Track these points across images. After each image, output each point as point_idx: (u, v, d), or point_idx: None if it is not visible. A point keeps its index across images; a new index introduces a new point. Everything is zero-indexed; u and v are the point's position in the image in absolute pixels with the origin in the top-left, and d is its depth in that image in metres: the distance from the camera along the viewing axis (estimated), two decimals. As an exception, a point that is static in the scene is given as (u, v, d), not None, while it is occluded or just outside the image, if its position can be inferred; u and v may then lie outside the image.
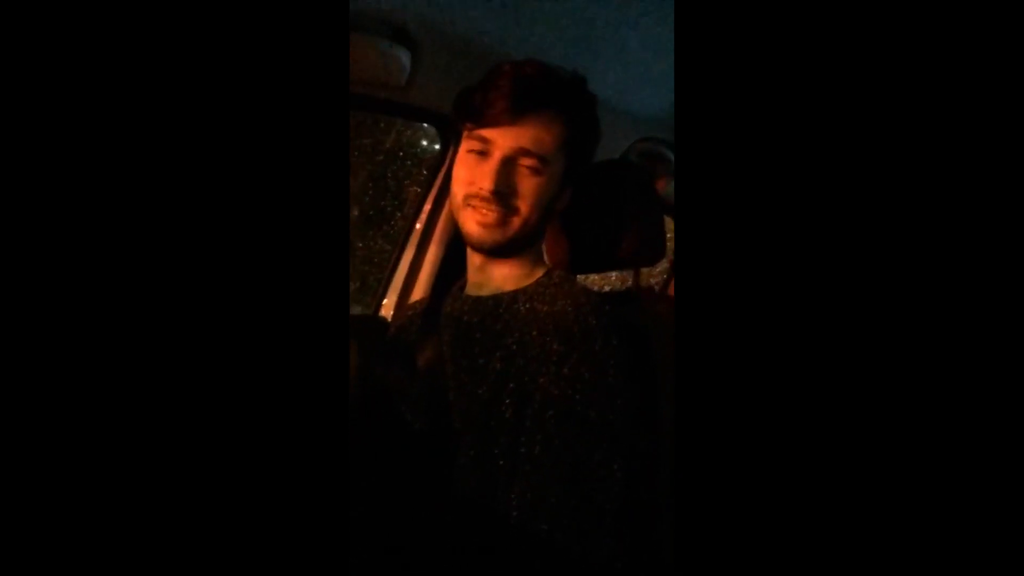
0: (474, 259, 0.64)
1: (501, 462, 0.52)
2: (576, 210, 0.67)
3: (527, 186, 0.58)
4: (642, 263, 0.73)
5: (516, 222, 0.59)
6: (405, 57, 0.80)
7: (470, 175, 0.59)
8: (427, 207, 1.10)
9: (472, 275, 0.65)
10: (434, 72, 0.86)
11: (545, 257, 0.71)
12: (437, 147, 1.09)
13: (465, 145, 0.60)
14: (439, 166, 1.08)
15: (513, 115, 0.56)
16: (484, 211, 0.58)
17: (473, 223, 0.59)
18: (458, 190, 0.60)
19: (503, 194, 0.57)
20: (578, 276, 0.70)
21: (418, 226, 1.11)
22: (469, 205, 0.59)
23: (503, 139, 0.57)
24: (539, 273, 0.64)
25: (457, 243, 1.00)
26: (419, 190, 1.15)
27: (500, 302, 0.61)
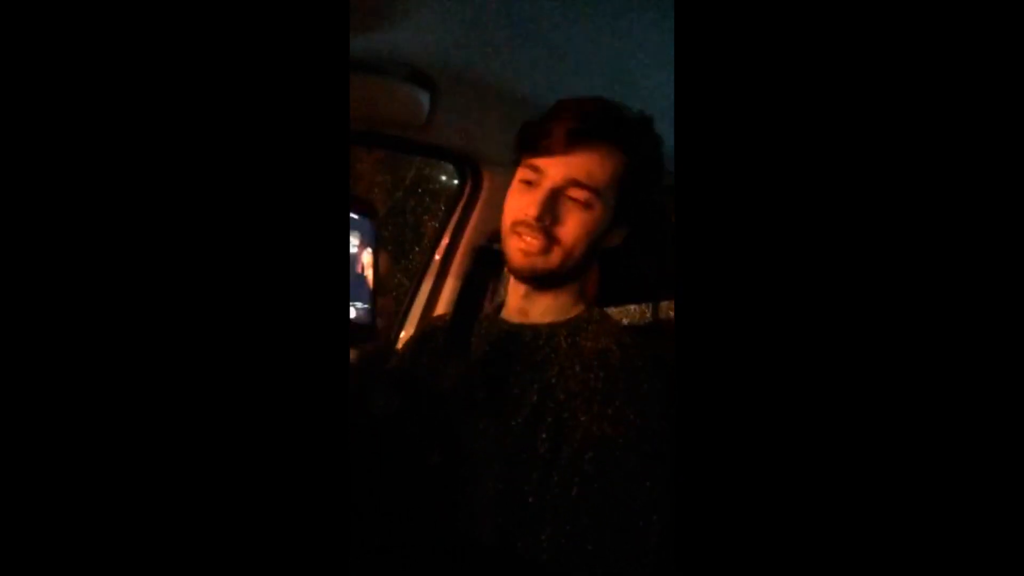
0: (517, 287, 0.63)
1: (530, 499, 0.51)
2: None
3: (574, 218, 0.57)
4: (662, 296, 0.73)
5: (558, 252, 0.58)
6: (424, 98, 0.83)
7: (519, 203, 0.58)
8: (445, 240, 1.12)
9: (512, 301, 0.64)
10: (452, 112, 0.89)
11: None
12: (455, 182, 1.12)
13: (519, 175, 0.60)
14: (457, 201, 1.10)
15: (567, 145, 0.56)
16: (528, 238, 0.57)
17: (516, 250, 0.58)
18: (507, 217, 0.60)
19: (548, 223, 0.56)
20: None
21: (436, 257, 1.13)
22: (515, 232, 0.59)
23: (554, 168, 0.57)
24: (579, 309, 0.63)
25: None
26: (437, 224, 1.17)
27: (540, 333, 0.60)
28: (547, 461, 0.51)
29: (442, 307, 1.08)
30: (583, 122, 0.56)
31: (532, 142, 0.58)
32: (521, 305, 0.63)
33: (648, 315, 0.80)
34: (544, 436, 0.52)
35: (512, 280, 0.63)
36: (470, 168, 1.06)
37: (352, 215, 0.46)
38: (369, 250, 0.48)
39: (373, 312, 0.47)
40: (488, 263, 0.62)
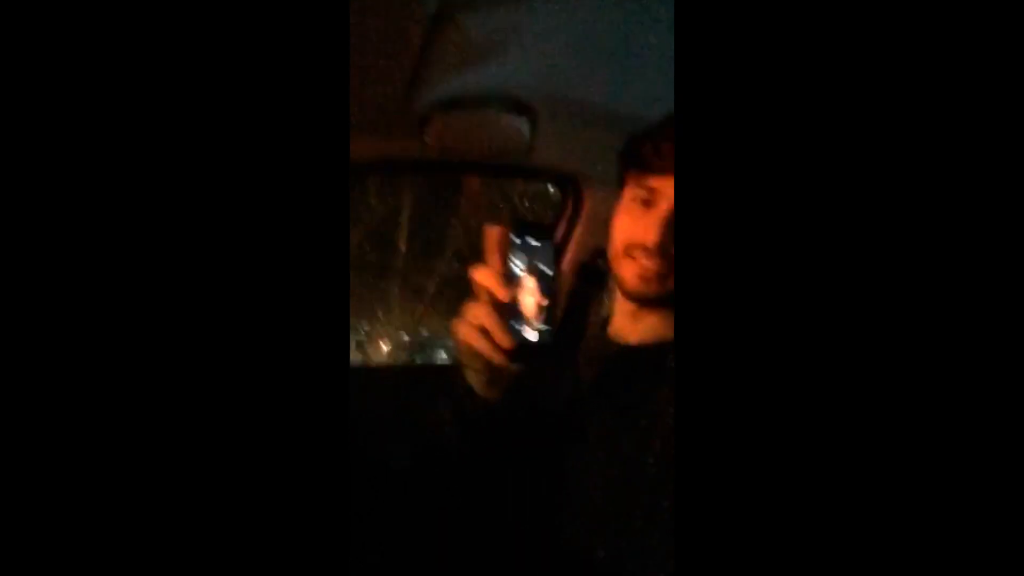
0: (624, 306, 0.62)
1: (640, 523, 0.50)
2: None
3: None
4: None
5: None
6: (525, 126, 0.87)
7: (633, 225, 0.57)
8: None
9: (619, 319, 0.63)
10: (552, 135, 0.91)
11: None
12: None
13: (629, 193, 0.59)
14: (559, 218, 1.12)
15: None
16: (645, 262, 0.56)
17: (632, 274, 0.57)
18: (619, 238, 0.58)
19: (667, 247, 0.55)
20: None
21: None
22: (629, 255, 0.57)
23: (672, 190, 0.55)
24: None
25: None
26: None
27: (647, 354, 0.59)
28: (655, 485, 0.50)
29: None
30: None
31: (644, 161, 0.56)
32: (629, 323, 0.62)
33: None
34: (651, 461, 0.51)
35: (619, 298, 0.62)
36: (571, 187, 1.08)
37: (532, 240, 0.47)
38: (548, 271, 0.47)
39: (551, 333, 0.47)
40: (594, 280, 0.62)
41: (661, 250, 0.55)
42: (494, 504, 0.57)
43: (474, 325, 0.45)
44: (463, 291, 0.48)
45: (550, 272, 0.47)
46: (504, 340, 0.44)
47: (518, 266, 0.46)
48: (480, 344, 0.45)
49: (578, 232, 1.08)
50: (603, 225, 0.61)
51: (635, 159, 0.57)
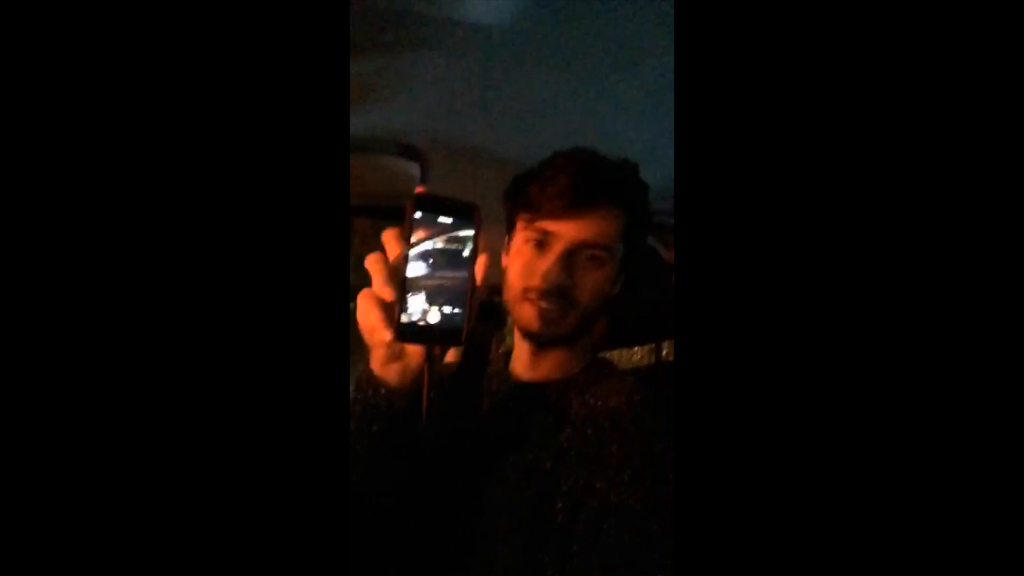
0: (523, 346, 0.61)
1: (550, 572, 0.49)
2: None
3: (589, 279, 0.56)
4: (663, 335, 0.74)
5: (575, 315, 0.57)
6: (415, 169, 0.87)
7: (529, 268, 0.57)
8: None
9: (520, 355, 0.63)
10: (442, 179, 0.92)
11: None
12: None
13: (521, 236, 0.58)
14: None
15: (575, 207, 0.55)
16: (543, 304, 0.56)
17: (531, 316, 0.57)
18: (515, 282, 0.58)
19: (565, 288, 0.55)
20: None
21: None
22: (527, 298, 0.57)
23: (565, 231, 0.55)
24: (586, 360, 0.62)
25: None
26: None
27: (549, 393, 0.59)
28: (565, 531, 0.49)
29: (449, 357, 1.08)
30: (585, 181, 0.55)
31: (534, 203, 0.56)
32: (530, 360, 0.61)
33: (652, 357, 0.81)
34: (559, 506, 0.50)
35: (517, 339, 0.62)
36: (474, 214, 1.09)
37: (443, 218, 0.44)
38: (461, 251, 0.45)
39: (464, 318, 0.44)
40: (492, 317, 0.62)
41: (558, 291, 0.55)
42: (396, 535, 0.53)
43: (371, 295, 0.42)
44: (354, 337, 0.45)
45: (464, 252, 0.45)
46: (394, 311, 0.42)
47: (431, 244, 0.44)
48: (372, 315, 0.42)
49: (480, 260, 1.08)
50: (496, 263, 0.61)
51: (522, 201, 0.58)
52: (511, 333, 0.65)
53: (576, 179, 0.55)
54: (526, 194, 0.57)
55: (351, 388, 0.47)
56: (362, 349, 0.47)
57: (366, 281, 0.43)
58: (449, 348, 0.48)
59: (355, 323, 0.43)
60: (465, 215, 0.45)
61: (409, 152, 0.85)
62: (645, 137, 0.89)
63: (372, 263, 0.42)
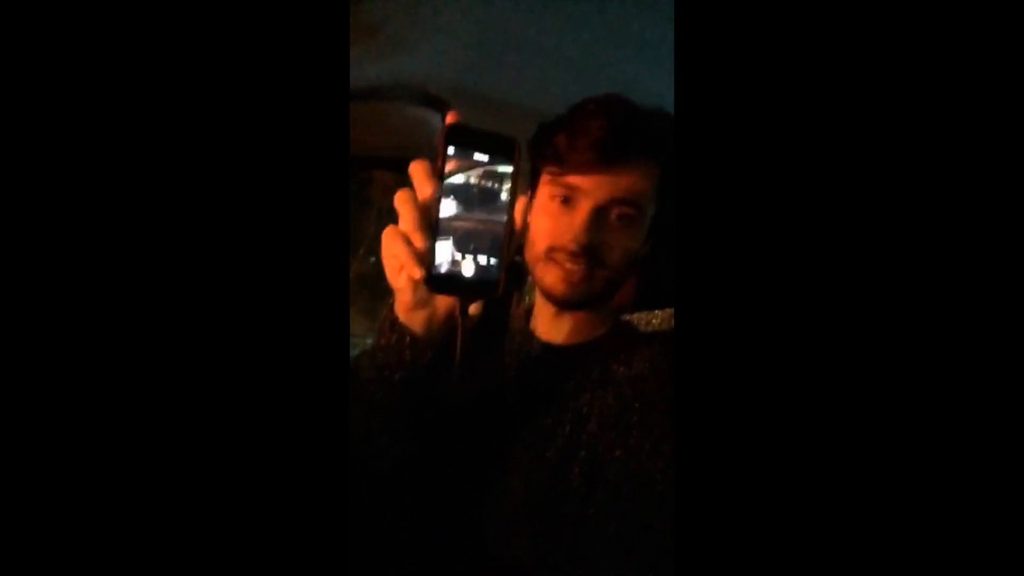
0: (545, 307, 0.57)
1: (564, 533, 0.48)
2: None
3: (619, 239, 0.52)
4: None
5: (603, 277, 0.52)
6: (436, 119, 0.85)
7: (554, 226, 0.52)
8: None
9: (541, 316, 0.59)
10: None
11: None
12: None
13: (546, 191, 0.53)
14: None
15: (607, 161, 0.50)
16: (569, 266, 0.51)
17: (555, 278, 0.52)
18: (539, 241, 0.53)
19: (593, 248, 0.51)
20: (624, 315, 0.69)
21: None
22: (551, 259, 0.52)
23: (595, 188, 0.50)
24: (608, 324, 0.59)
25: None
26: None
27: (570, 356, 0.56)
28: (582, 496, 0.48)
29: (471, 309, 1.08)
30: (619, 134, 0.50)
31: (561, 157, 0.51)
32: (552, 322, 0.58)
33: (672, 322, 0.79)
34: (576, 471, 0.49)
35: (539, 300, 0.59)
36: (515, 152, 1.07)
37: (479, 155, 0.40)
38: (506, 191, 0.40)
39: (500, 267, 0.40)
40: (512, 273, 0.60)
41: (586, 252, 0.51)
42: (411, 500, 0.54)
43: (398, 233, 0.39)
44: (378, 289, 0.44)
45: (501, 194, 0.40)
46: (422, 252, 0.38)
47: (464, 180, 0.39)
48: (399, 253, 0.38)
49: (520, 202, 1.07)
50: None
51: (549, 152, 0.53)
52: (532, 291, 0.62)
53: (609, 130, 0.50)
54: (553, 145, 0.52)
55: (375, 334, 0.45)
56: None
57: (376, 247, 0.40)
58: (481, 300, 0.43)
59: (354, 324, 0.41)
60: (504, 151, 0.40)
61: (428, 100, 0.83)
62: (672, 87, 0.85)
63: (401, 202, 0.38)
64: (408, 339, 0.44)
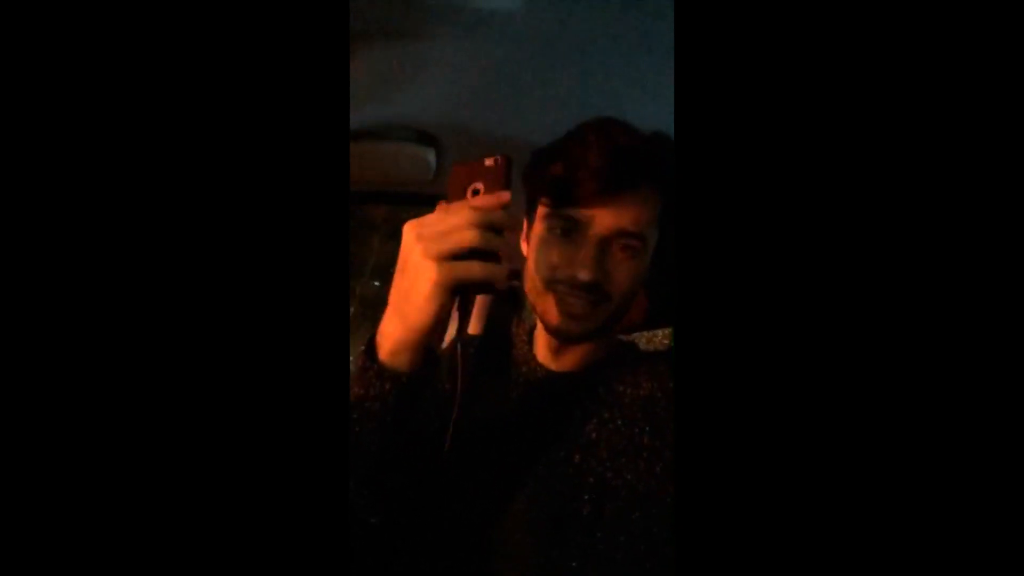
0: (547, 339, 0.56)
1: (574, 563, 0.46)
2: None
3: (623, 270, 0.50)
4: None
5: (607, 310, 0.50)
6: (430, 155, 0.88)
7: (557, 259, 0.50)
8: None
9: (543, 344, 0.57)
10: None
11: None
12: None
13: (546, 224, 0.51)
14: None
15: (609, 191, 0.48)
16: (572, 300, 0.49)
17: (558, 312, 0.50)
18: (539, 274, 0.51)
19: (597, 282, 0.48)
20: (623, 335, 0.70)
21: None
22: (553, 291, 0.50)
23: (598, 219, 0.48)
24: (610, 347, 0.58)
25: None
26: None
27: (575, 382, 0.54)
28: (591, 522, 0.47)
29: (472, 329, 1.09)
30: (621, 163, 0.48)
31: (560, 185, 0.49)
32: (554, 353, 0.57)
33: (670, 338, 0.80)
34: (586, 498, 0.47)
35: (540, 331, 0.57)
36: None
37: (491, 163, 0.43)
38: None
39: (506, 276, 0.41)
40: (511, 302, 0.61)
41: (589, 287, 0.48)
42: (416, 532, 0.53)
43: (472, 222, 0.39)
44: (382, 312, 0.44)
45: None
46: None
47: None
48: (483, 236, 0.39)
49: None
50: (514, 248, 0.58)
51: (547, 182, 0.51)
52: (532, 315, 0.61)
53: (609, 158, 0.47)
54: (551, 175, 0.50)
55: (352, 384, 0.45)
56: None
57: (386, 265, 0.42)
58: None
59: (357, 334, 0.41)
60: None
61: (423, 138, 0.86)
62: (663, 116, 0.88)
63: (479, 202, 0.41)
64: (403, 381, 0.42)
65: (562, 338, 0.52)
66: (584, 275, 0.48)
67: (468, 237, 0.38)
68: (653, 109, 0.85)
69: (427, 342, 0.42)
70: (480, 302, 1.00)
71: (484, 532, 0.51)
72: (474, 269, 0.39)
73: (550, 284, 0.50)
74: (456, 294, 0.40)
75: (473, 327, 1.01)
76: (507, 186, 0.42)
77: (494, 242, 0.39)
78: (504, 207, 0.40)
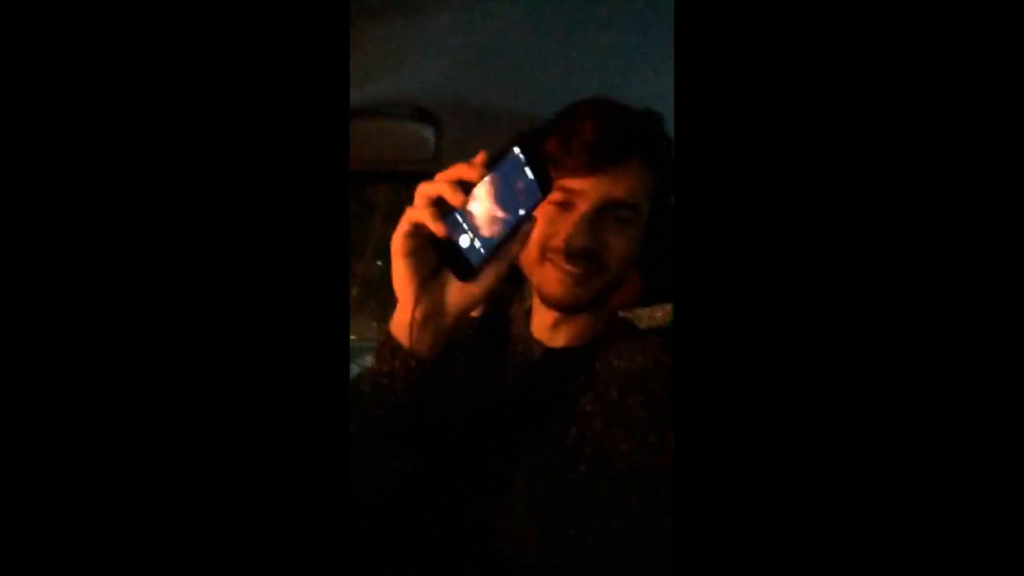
0: (544, 311, 0.57)
1: (572, 532, 0.48)
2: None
3: (616, 239, 0.52)
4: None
5: (601, 279, 0.53)
6: (429, 132, 0.87)
7: (550, 228, 0.52)
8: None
9: (540, 319, 0.59)
10: (457, 141, 0.92)
11: None
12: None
13: None
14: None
15: (601, 162, 0.50)
16: (566, 268, 0.51)
17: (553, 281, 0.52)
18: (535, 244, 0.53)
19: (591, 250, 0.51)
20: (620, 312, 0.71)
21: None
22: (548, 260, 0.52)
23: (591, 189, 0.50)
24: (608, 322, 0.59)
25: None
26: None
27: (572, 358, 0.56)
28: (587, 492, 0.49)
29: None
30: (612, 135, 0.50)
31: (554, 158, 0.51)
32: (551, 326, 0.58)
33: (670, 316, 0.81)
34: (583, 468, 0.49)
35: (536, 304, 0.59)
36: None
37: (530, 175, 0.43)
38: (525, 210, 0.43)
39: (482, 259, 0.42)
40: (510, 276, 0.61)
41: (583, 254, 0.51)
42: (417, 503, 0.55)
43: (426, 194, 0.40)
44: (387, 294, 0.45)
45: (520, 209, 0.43)
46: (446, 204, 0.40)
47: (504, 179, 0.43)
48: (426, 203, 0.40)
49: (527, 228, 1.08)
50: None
51: (548, 157, 0.52)
52: (532, 294, 0.62)
53: (602, 131, 0.50)
54: (546, 151, 0.52)
55: (374, 358, 0.47)
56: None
57: (389, 245, 0.43)
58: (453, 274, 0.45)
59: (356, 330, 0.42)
60: (542, 186, 0.44)
61: (422, 116, 0.85)
62: (657, 92, 0.87)
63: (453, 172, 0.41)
64: (412, 363, 0.44)
65: (558, 307, 0.54)
66: (578, 242, 0.50)
67: (414, 215, 0.40)
68: (653, 85, 0.85)
69: (423, 319, 0.43)
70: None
71: (484, 504, 0.52)
72: (420, 232, 0.41)
73: (545, 253, 0.53)
74: (420, 266, 0.42)
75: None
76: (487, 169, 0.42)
77: (440, 215, 0.40)
78: (458, 182, 0.40)
